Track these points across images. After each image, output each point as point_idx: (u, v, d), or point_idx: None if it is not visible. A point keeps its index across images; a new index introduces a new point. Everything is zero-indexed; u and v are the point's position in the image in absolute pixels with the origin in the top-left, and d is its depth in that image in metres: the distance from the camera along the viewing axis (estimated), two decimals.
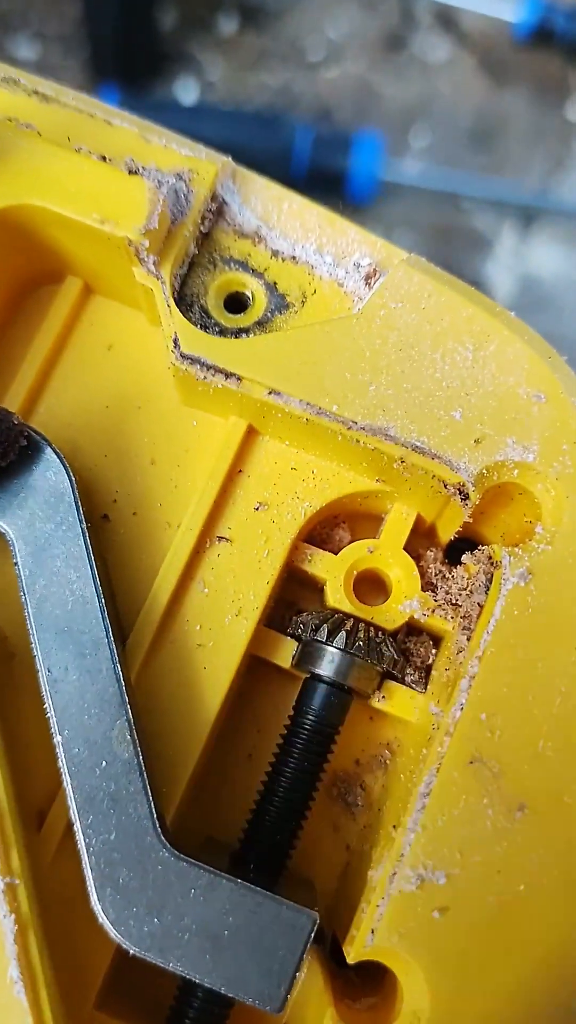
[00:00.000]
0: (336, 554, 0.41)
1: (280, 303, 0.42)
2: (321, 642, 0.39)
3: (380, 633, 0.40)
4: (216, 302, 0.42)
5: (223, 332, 0.41)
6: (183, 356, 0.39)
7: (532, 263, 1.19)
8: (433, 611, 0.41)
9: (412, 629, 0.43)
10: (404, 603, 0.40)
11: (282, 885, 0.38)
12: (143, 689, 0.38)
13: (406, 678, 0.41)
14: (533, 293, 1.18)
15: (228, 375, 0.39)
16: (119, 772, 0.34)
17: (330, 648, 0.39)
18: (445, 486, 0.38)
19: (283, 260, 0.42)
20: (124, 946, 0.33)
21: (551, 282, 1.18)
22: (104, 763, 0.34)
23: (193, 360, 0.39)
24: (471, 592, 0.40)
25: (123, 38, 1.21)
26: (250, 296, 0.42)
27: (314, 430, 0.39)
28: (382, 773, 0.42)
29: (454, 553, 0.42)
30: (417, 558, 0.42)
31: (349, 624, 0.39)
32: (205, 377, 0.39)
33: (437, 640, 0.42)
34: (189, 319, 0.40)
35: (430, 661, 0.42)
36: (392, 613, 0.41)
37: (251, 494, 0.41)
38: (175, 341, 0.39)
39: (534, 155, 1.23)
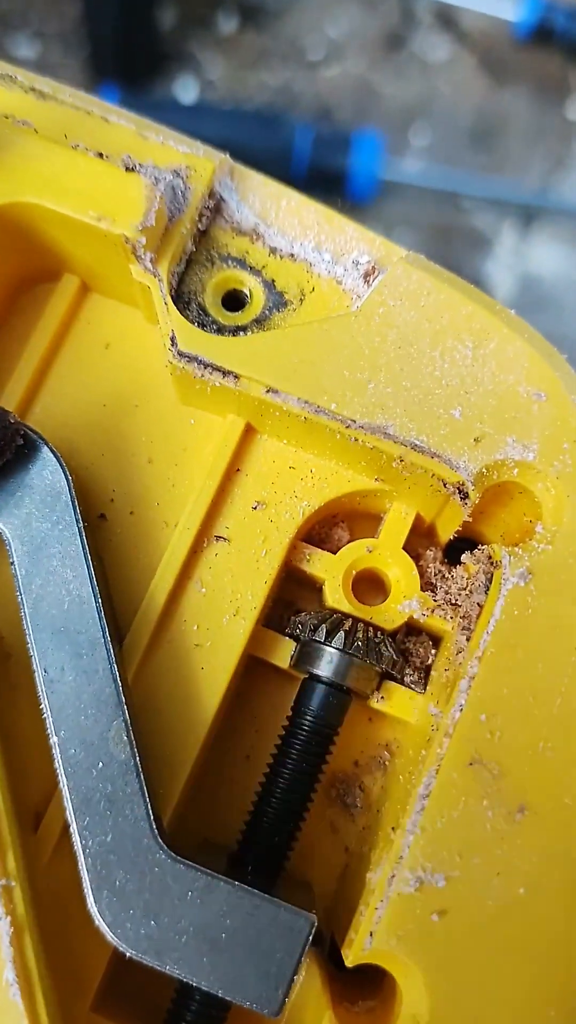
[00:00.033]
0: (335, 553, 0.41)
1: (278, 301, 0.42)
2: (320, 642, 0.39)
3: (379, 633, 0.40)
4: (214, 300, 0.42)
5: (221, 330, 0.41)
6: (180, 354, 0.39)
7: (532, 262, 1.19)
8: (432, 611, 0.40)
9: (411, 629, 0.42)
10: (403, 603, 0.40)
11: (280, 887, 0.38)
12: (140, 689, 0.38)
13: (405, 678, 0.41)
14: (533, 292, 1.17)
15: (226, 373, 0.38)
16: (116, 773, 0.34)
17: (329, 648, 0.39)
18: (444, 485, 0.38)
19: (281, 257, 0.42)
20: (120, 948, 0.33)
21: (551, 281, 1.18)
22: (101, 764, 0.34)
23: (191, 358, 0.39)
24: (471, 592, 0.39)
25: (123, 37, 1.21)
26: (248, 294, 0.42)
27: (312, 429, 0.39)
28: (381, 774, 0.42)
29: (454, 553, 0.42)
30: (416, 558, 0.41)
31: (348, 624, 0.39)
32: (203, 375, 0.38)
33: (436, 640, 0.42)
34: (187, 317, 0.39)
35: (429, 661, 0.42)
36: (391, 613, 0.40)
37: (249, 493, 0.41)
38: (172, 339, 0.39)
39: (534, 154, 1.23)
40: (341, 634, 0.38)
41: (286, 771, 0.39)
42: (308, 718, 0.39)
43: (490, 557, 0.39)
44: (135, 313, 0.44)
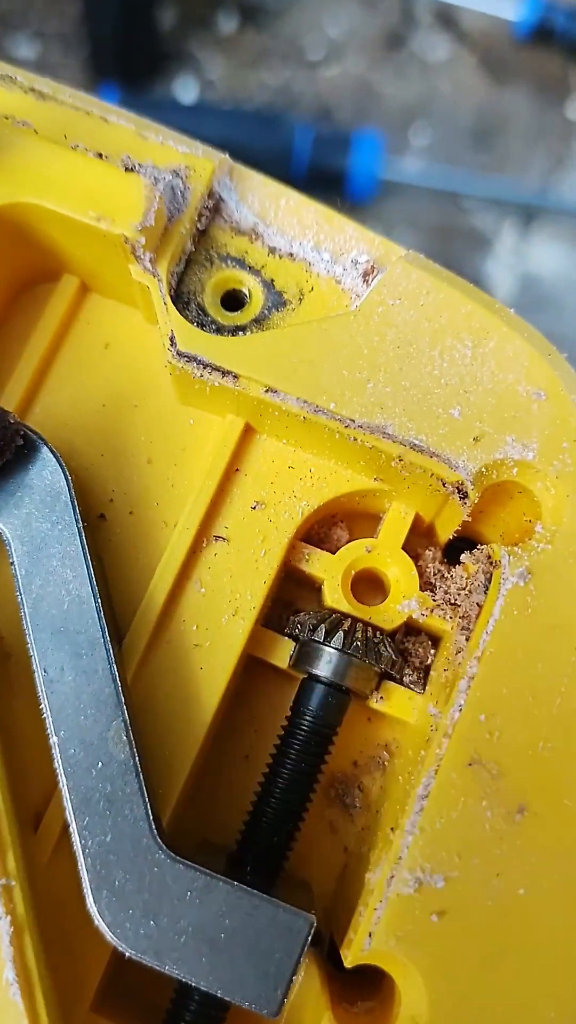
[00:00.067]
0: (334, 553, 0.41)
1: (277, 300, 0.42)
2: (319, 642, 0.39)
3: (378, 633, 0.40)
4: (213, 300, 0.42)
5: (220, 330, 0.41)
6: (180, 354, 0.39)
7: (532, 262, 1.19)
8: (432, 611, 0.40)
9: (410, 629, 0.42)
10: (402, 603, 0.40)
11: (279, 887, 0.38)
12: (139, 689, 0.38)
13: (404, 678, 0.41)
14: (533, 292, 1.17)
15: (225, 373, 0.38)
16: (115, 773, 0.34)
17: (328, 648, 0.38)
18: (444, 484, 0.38)
19: (280, 257, 0.42)
20: (120, 948, 0.33)
21: (551, 281, 1.18)
22: (100, 764, 0.34)
23: (190, 358, 0.39)
24: (470, 592, 0.39)
25: (123, 37, 1.21)
26: (247, 293, 0.42)
27: (311, 428, 0.39)
28: (380, 774, 0.42)
29: (453, 552, 0.42)
30: (415, 557, 0.41)
31: (347, 624, 0.39)
32: (202, 375, 0.38)
33: (436, 640, 0.42)
34: (186, 317, 0.39)
35: (429, 661, 0.41)
36: (390, 613, 0.40)
37: (248, 493, 0.41)
38: (172, 339, 0.39)
39: (534, 154, 1.23)
40: (340, 634, 0.38)
41: (285, 771, 0.39)
42: (307, 718, 0.39)
43: (489, 557, 0.39)
44: (134, 313, 0.44)
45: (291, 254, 0.42)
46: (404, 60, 1.25)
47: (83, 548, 0.37)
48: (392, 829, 0.36)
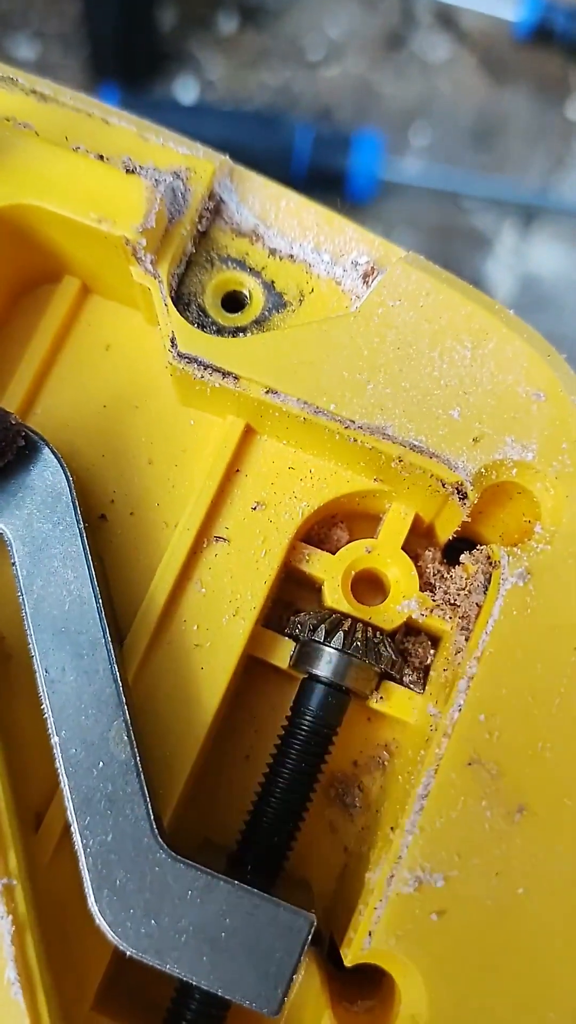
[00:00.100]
0: (334, 554, 0.41)
1: (278, 302, 0.42)
2: (319, 642, 0.39)
3: (378, 633, 0.40)
4: (213, 301, 0.42)
5: (220, 331, 0.41)
6: (180, 355, 0.39)
7: (532, 262, 1.19)
8: (431, 611, 0.40)
9: (410, 629, 0.43)
10: (402, 603, 0.40)
11: (279, 887, 0.38)
12: (140, 690, 0.38)
13: (404, 679, 0.41)
14: (533, 292, 1.17)
15: (225, 374, 0.39)
16: (116, 773, 0.34)
17: (328, 648, 0.39)
18: (443, 485, 0.38)
19: (281, 259, 0.42)
20: (121, 948, 0.33)
21: (551, 281, 1.18)
22: (101, 764, 0.34)
23: (190, 359, 0.39)
24: (470, 592, 0.39)
25: (123, 37, 1.21)
26: (247, 295, 0.42)
27: (312, 429, 0.39)
28: (380, 774, 0.42)
29: (452, 553, 0.42)
30: (415, 558, 0.41)
31: (347, 624, 0.39)
32: (202, 376, 0.39)
33: (435, 640, 0.42)
34: (186, 318, 0.39)
35: (428, 661, 0.42)
36: (390, 613, 0.40)
37: (249, 494, 0.41)
38: (172, 340, 0.39)
39: (534, 154, 1.23)
40: (340, 634, 0.38)
41: (285, 771, 0.39)
42: (307, 718, 0.39)
43: (489, 557, 0.39)
44: (135, 315, 0.44)
45: (291, 255, 0.42)
46: (404, 60, 1.25)
47: (84, 549, 0.37)
48: (392, 829, 0.36)
